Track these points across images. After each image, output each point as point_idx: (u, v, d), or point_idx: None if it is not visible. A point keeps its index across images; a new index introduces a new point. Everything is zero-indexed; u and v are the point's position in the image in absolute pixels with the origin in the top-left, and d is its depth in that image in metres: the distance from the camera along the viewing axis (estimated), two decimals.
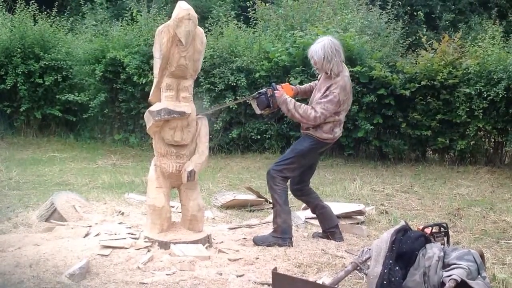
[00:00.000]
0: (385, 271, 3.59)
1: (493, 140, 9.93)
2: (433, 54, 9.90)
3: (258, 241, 4.90)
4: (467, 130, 9.36)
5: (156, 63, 4.48)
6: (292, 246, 4.86)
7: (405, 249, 3.70)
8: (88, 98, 11.37)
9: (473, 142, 9.49)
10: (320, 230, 5.34)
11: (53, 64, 11.48)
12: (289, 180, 5.12)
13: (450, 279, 3.46)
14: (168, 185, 4.69)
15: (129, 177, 8.11)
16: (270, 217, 5.86)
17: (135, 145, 11.18)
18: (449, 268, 3.59)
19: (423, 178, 8.72)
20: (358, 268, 3.97)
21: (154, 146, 4.68)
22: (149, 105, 4.65)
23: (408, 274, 3.64)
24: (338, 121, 4.93)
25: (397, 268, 3.62)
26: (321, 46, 4.84)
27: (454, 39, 9.94)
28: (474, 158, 9.86)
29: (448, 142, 9.71)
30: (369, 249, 3.95)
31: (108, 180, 7.80)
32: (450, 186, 8.08)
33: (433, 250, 3.68)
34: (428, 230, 4.07)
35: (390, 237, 3.74)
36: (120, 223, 5.23)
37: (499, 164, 9.65)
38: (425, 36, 10.47)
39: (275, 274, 3.52)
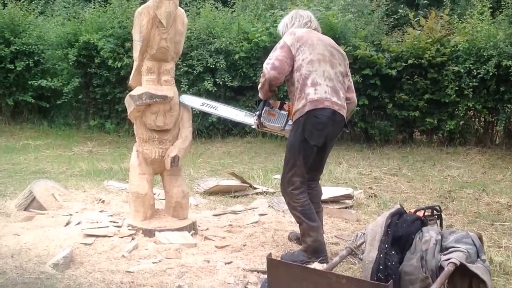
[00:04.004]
0: (381, 255, 3.47)
1: (483, 120, 9.77)
2: (419, 31, 9.66)
3: (287, 260, 3.95)
4: (456, 110, 9.25)
5: (136, 46, 4.34)
6: (328, 262, 3.88)
7: (401, 233, 3.58)
8: (61, 84, 11.15)
9: (463, 122, 9.36)
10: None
11: (24, 48, 11.18)
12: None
13: (449, 263, 3.33)
14: (151, 171, 4.56)
15: (107, 164, 7.92)
16: (255, 203, 5.74)
17: (111, 131, 10.94)
18: (447, 251, 3.46)
19: (411, 160, 8.58)
20: (353, 253, 3.85)
21: (136, 132, 4.53)
22: (127, 89, 4.47)
23: (404, 259, 3.52)
24: (303, 78, 4.09)
25: (393, 252, 3.50)
26: (285, 17, 4.51)
27: (442, 16, 9.75)
28: (463, 138, 9.67)
29: (436, 122, 9.48)
30: (363, 234, 3.83)
31: (85, 167, 7.61)
32: (440, 168, 7.96)
33: (430, 233, 3.55)
34: (420, 214, 3.94)
35: (385, 221, 3.61)
36: (101, 211, 5.11)
37: (490, 144, 9.47)
38: (413, 13, 10.27)
39: (270, 260, 3.34)
